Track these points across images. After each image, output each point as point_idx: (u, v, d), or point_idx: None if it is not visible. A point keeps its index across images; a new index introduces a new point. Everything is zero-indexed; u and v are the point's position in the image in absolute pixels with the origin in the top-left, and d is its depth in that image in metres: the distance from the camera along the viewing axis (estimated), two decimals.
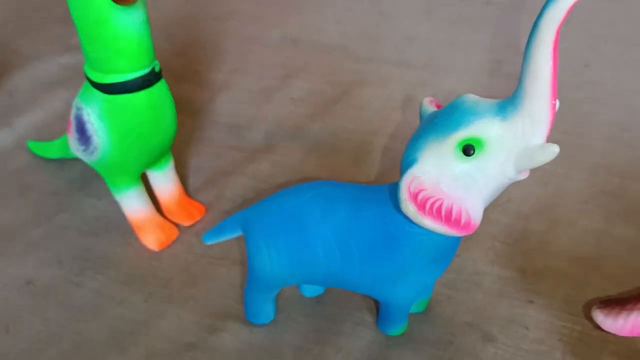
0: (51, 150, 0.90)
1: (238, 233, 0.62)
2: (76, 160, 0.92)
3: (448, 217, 0.48)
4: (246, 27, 1.29)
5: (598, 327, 0.53)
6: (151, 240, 0.77)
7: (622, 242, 0.73)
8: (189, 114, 1.03)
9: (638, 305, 0.49)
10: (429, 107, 0.54)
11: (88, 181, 0.88)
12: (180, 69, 1.16)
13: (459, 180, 0.48)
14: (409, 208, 0.48)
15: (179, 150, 0.93)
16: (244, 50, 1.21)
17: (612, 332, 0.51)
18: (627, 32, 1.14)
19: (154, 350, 0.64)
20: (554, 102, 0.44)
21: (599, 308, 0.53)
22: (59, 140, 0.87)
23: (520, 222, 0.76)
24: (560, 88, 1.00)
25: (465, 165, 0.47)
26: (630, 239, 0.73)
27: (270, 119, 1.00)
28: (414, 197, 0.48)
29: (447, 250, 0.55)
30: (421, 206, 0.48)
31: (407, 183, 0.48)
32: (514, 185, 0.81)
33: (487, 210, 0.78)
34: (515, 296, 0.67)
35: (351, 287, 0.58)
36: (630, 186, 0.80)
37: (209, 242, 0.65)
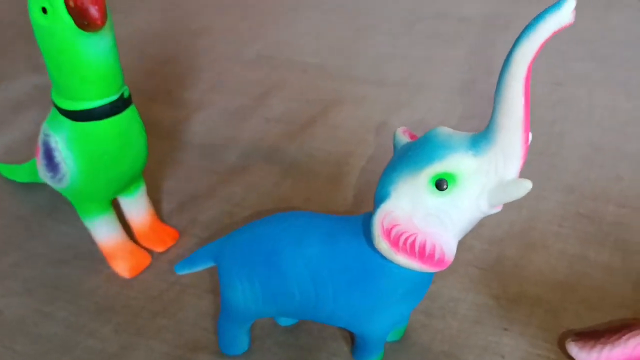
0: (19, 173, 0.88)
1: (210, 264, 0.61)
2: (45, 184, 0.90)
3: (422, 253, 0.47)
4: (221, 44, 1.27)
5: (570, 358, 0.53)
6: (122, 267, 0.76)
7: (596, 266, 0.73)
8: (162, 135, 1.01)
9: (611, 339, 0.49)
10: (403, 137, 0.54)
11: (57, 206, 0.87)
12: (153, 88, 1.14)
13: (432, 215, 0.47)
14: (382, 245, 0.47)
15: (152, 173, 0.92)
16: (219, 68, 1.19)
17: None
18: (599, 50, 1.15)
19: None
20: (526, 137, 0.44)
21: (573, 341, 0.53)
22: (27, 164, 0.85)
23: (494, 247, 0.76)
24: (533, 107, 1.01)
25: (439, 199, 0.47)
26: (604, 262, 0.73)
27: (246, 140, 0.99)
28: (387, 233, 0.47)
29: (422, 282, 0.55)
30: (394, 242, 0.47)
31: (380, 219, 0.47)
32: None
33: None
34: (491, 323, 0.67)
35: (326, 320, 0.57)
36: (604, 208, 0.81)
37: (181, 272, 0.63)
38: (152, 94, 1.12)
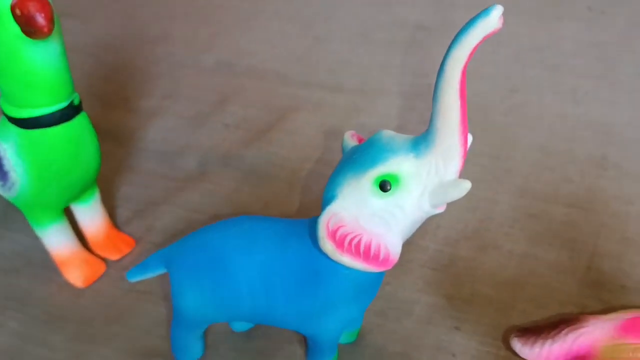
0: None
1: (162, 270, 0.61)
2: None
3: (367, 253, 0.48)
4: (179, 51, 1.27)
5: (517, 355, 0.54)
6: (75, 276, 0.75)
7: (546, 265, 0.75)
8: (119, 142, 1.00)
9: (551, 333, 0.51)
10: (351, 141, 0.55)
11: (7, 214, 0.85)
12: (110, 95, 1.13)
13: (376, 216, 0.48)
14: (327, 246, 0.48)
15: (107, 179, 0.91)
16: (177, 75, 1.19)
17: (530, 359, 0.53)
18: (552, 58, 1.19)
19: None
20: (465, 139, 0.45)
21: (516, 337, 0.54)
22: None
23: (448, 248, 0.78)
24: (488, 112, 1.04)
25: (383, 200, 0.48)
26: (551, 260, 0.75)
27: (203, 146, 0.99)
28: (332, 234, 0.48)
29: (372, 283, 0.56)
30: (340, 243, 0.48)
31: (326, 220, 0.48)
32: (444, 211, 0.82)
33: (417, 237, 0.79)
34: (443, 323, 0.68)
35: (277, 323, 0.58)
36: (553, 209, 0.83)
37: (133, 279, 0.63)
38: (109, 101, 1.11)
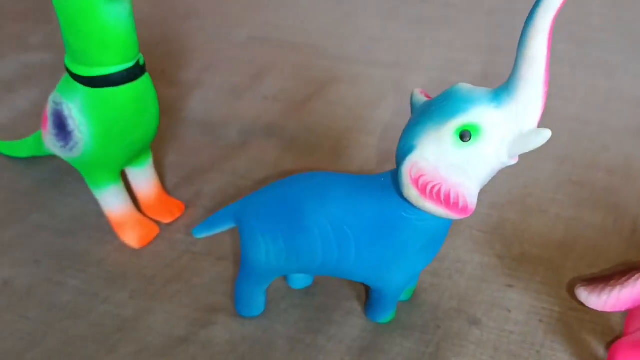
0: (22, 148, 0.87)
1: (230, 225, 0.62)
2: (44, 158, 0.90)
3: (447, 201, 0.50)
4: (211, 26, 1.28)
5: (582, 305, 0.56)
6: (131, 237, 0.76)
7: (590, 227, 0.77)
8: (161, 112, 1.01)
9: (620, 280, 0.52)
10: (420, 97, 0.56)
11: (60, 180, 0.86)
12: (147, 67, 1.14)
13: (456, 166, 0.50)
14: (412, 192, 0.49)
15: (153, 148, 0.92)
16: (212, 49, 1.20)
17: (597, 308, 0.55)
18: (578, 32, 1.20)
19: (144, 345, 0.63)
20: (546, 89, 0.47)
21: (582, 286, 0.56)
22: (31, 138, 0.85)
23: (495, 212, 0.80)
24: None
25: (463, 150, 0.49)
26: (597, 224, 0.77)
27: (244, 117, 1.00)
28: (415, 181, 0.49)
29: (438, 236, 0.57)
30: (422, 190, 0.49)
31: (409, 168, 0.49)
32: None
33: None
34: (496, 281, 0.70)
35: (346, 275, 0.59)
36: (594, 175, 0.85)
37: (199, 236, 0.65)
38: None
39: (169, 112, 1.01)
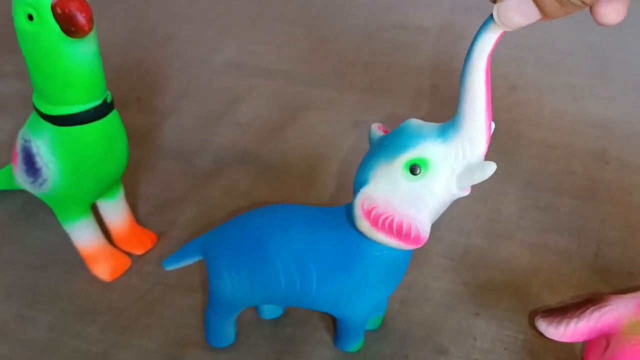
0: None
1: (198, 257, 0.64)
2: (17, 191, 0.90)
3: (399, 232, 0.51)
4: (187, 53, 1.29)
5: (542, 335, 0.57)
6: (103, 270, 0.77)
7: (555, 253, 0.79)
8: (135, 141, 1.02)
9: (577, 312, 0.54)
10: (377, 132, 0.58)
11: (32, 212, 0.87)
12: (122, 96, 1.15)
13: (407, 198, 0.51)
14: (363, 224, 0.51)
15: (126, 178, 0.92)
16: (188, 75, 1.21)
17: (555, 338, 0.56)
18: (547, 57, 1.23)
19: None
20: (489, 123, 0.49)
21: (541, 317, 0.57)
22: (2, 171, 0.85)
23: (463, 238, 0.81)
24: (492, 110, 1.07)
25: (413, 183, 0.51)
26: (561, 249, 0.79)
27: (219, 144, 1.01)
28: (367, 213, 0.51)
29: (399, 266, 0.59)
30: (374, 222, 0.51)
31: (361, 201, 0.51)
32: (456, 203, 0.86)
33: (433, 229, 0.82)
34: (463, 309, 0.72)
35: (309, 306, 0.61)
36: (559, 200, 0.87)
37: (169, 267, 0.65)
38: (121, 101, 1.12)
39: (143, 141, 1.02)
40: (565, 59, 1.23)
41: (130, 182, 0.93)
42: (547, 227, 0.83)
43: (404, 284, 0.74)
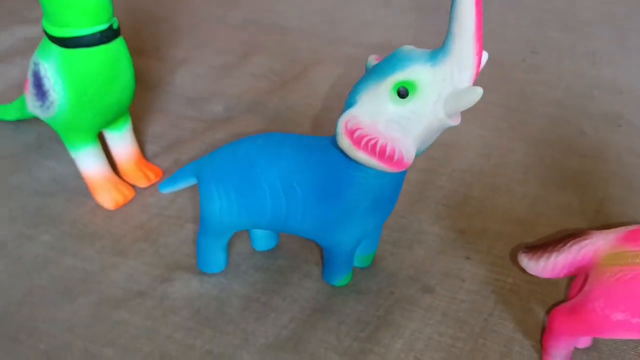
0: (8, 111, 0.90)
1: (192, 181, 0.65)
2: (32, 123, 0.93)
3: (382, 154, 0.51)
4: (207, 8, 1.31)
5: (523, 272, 0.57)
6: (106, 199, 0.79)
7: (555, 207, 0.77)
8: (149, 86, 1.04)
9: (557, 247, 0.53)
10: (374, 62, 0.58)
11: (45, 144, 0.89)
12: (140, 44, 1.17)
13: (393, 121, 0.51)
14: (344, 142, 0.51)
15: (138, 119, 0.95)
16: (205, 29, 1.23)
17: (536, 274, 0.56)
18: (570, 22, 1.21)
19: (104, 297, 0.66)
20: (479, 48, 0.48)
21: (523, 252, 0.57)
22: (16, 101, 0.88)
23: (463, 188, 0.81)
24: (508, 70, 1.06)
25: (399, 107, 0.51)
26: (562, 204, 0.78)
27: (230, 93, 1.02)
28: (350, 133, 0.51)
29: (386, 196, 0.58)
30: (357, 142, 0.51)
31: (345, 120, 0.51)
32: (460, 156, 0.85)
33: (433, 177, 0.82)
34: (454, 253, 0.71)
35: (296, 231, 0.61)
36: (568, 159, 0.86)
37: (165, 190, 0.67)
38: (140, 49, 1.15)
39: (156, 86, 1.04)
40: (588, 27, 1.20)
41: (141, 122, 0.95)
42: (551, 182, 0.81)
43: (398, 226, 0.75)
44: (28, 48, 1.14)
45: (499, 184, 0.82)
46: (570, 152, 0.87)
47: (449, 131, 0.86)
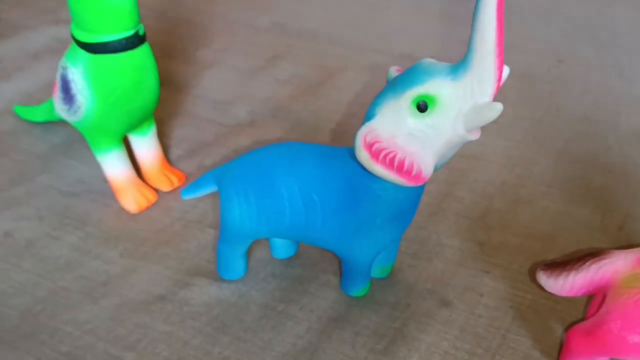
0: (37, 113, 0.92)
1: (213, 187, 0.65)
2: (61, 125, 0.95)
3: (400, 168, 0.51)
4: (237, 12, 1.32)
5: (542, 289, 0.56)
6: (130, 202, 0.80)
7: (578, 223, 0.77)
8: (175, 89, 1.06)
9: (576, 266, 0.53)
10: (395, 74, 0.58)
11: (72, 146, 0.91)
12: (168, 46, 1.19)
13: (412, 135, 0.51)
14: (362, 155, 0.51)
15: (163, 122, 0.96)
16: (233, 33, 1.24)
17: (554, 292, 0.55)
18: (600, 35, 1.19)
19: (126, 300, 0.67)
20: (500, 63, 0.48)
21: (542, 270, 0.57)
22: (44, 103, 0.90)
23: (484, 200, 0.80)
24: (535, 81, 1.05)
25: (419, 121, 0.51)
26: (586, 219, 0.77)
27: (255, 98, 1.03)
28: (369, 146, 0.51)
29: (405, 208, 0.58)
30: (375, 155, 0.51)
31: (364, 133, 0.51)
32: (483, 167, 0.85)
33: (454, 189, 0.82)
34: (474, 266, 0.71)
35: (315, 241, 0.61)
36: (591, 173, 0.84)
37: (187, 196, 0.68)
38: (167, 52, 1.16)
39: (182, 88, 1.05)
40: (617, 39, 1.18)
41: (166, 125, 0.96)
42: (574, 197, 0.81)
43: (417, 238, 0.74)
44: (59, 49, 1.16)
45: (521, 196, 0.81)
46: (595, 167, 0.86)
47: (472, 142, 0.86)
